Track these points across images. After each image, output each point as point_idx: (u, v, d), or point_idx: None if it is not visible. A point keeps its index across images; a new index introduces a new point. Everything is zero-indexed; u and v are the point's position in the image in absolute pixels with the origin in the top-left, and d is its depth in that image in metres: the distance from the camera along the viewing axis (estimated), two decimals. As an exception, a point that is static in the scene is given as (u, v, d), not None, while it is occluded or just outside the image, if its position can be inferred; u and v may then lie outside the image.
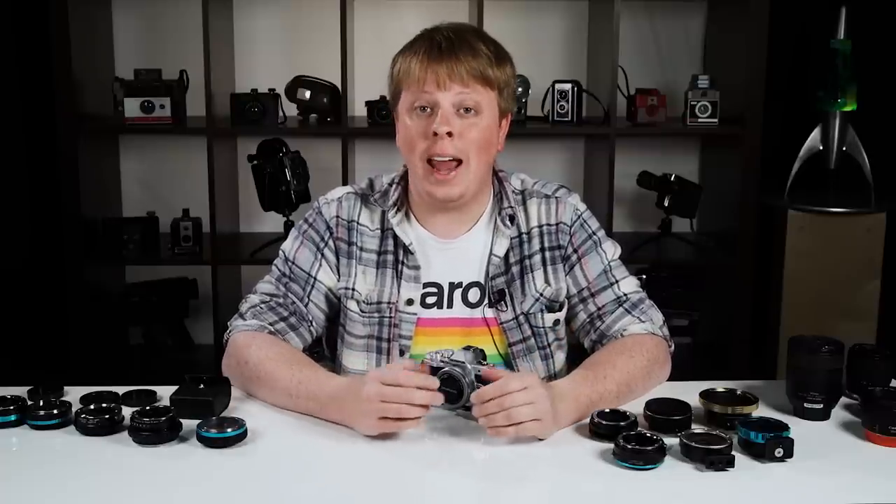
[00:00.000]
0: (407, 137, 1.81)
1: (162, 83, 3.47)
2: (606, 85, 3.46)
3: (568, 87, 3.48)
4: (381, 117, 3.44)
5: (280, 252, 1.94)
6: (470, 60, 1.76)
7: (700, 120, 3.49)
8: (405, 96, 1.81)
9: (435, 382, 1.59)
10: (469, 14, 3.45)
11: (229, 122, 3.50)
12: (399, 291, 1.87)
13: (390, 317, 1.87)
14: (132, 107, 3.40)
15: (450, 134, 1.75)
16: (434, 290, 1.88)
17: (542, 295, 1.88)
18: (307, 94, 3.50)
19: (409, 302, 1.86)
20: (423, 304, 1.87)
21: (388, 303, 1.87)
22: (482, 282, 1.88)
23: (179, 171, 3.77)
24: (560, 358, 1.95)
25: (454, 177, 1.78)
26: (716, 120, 3.49)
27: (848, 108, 3.44)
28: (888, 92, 3.59)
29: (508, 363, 1.88)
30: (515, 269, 1.89)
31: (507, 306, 1.87)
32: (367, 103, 3.49)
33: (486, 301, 1.88)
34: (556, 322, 1.91)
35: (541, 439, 1.59)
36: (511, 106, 1.87)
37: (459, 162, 1.78)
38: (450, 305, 1.88)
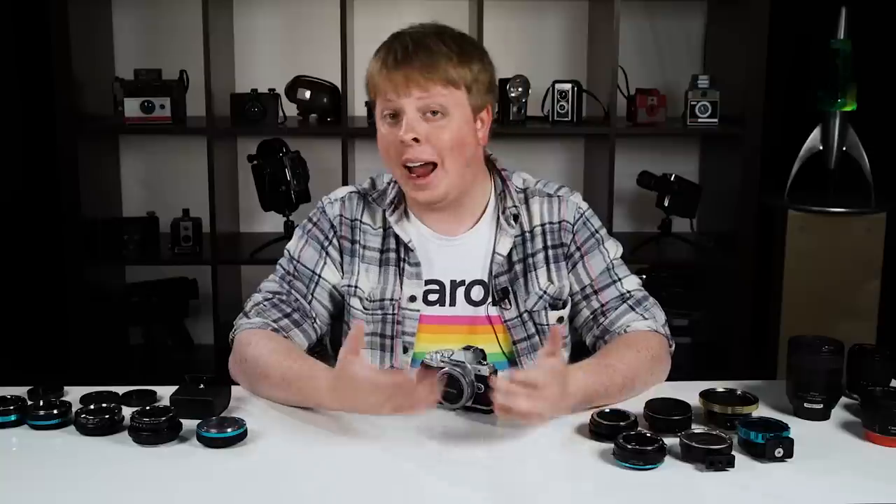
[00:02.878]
0: (382, 145, 1.83)
1: (162, 83, 3.47)
2: (606, 85, 3.46)
3: (568, 87, 3.48)
4: (381, 117, 3.43)
5: (285, 251, 1.95)
6: (427, 64, 1.75)
7: (700, 120, 3.49)
8: (377, 104, 1.82)
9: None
10: (469, 14, 3.45)
11: (229, 122, 3.50)
12: (402, 289, 1.87)
13: (393, 314, 1.87)
14: (132, 107, 3.40)
15: (416, 140, 1.76)
16: (436, 287, 1.88)
17: (545, 293, 1.89)
18: (307, 94, 3.50)
19: (412, 299, 1.87)
20: (426, 302, 1.88)
21: (391, 300, 1.87)
22: (485, 280, 1.89)
23: (179, 171, 3.77)
24: (564, 356, 1.95)
25: (431, 179, 1.79)
26: (716, 120, 3.49)
27: (848, 108, 3.43)
28: (888, 92, 3.59)
29: (513, 361, 1.89)
30: (518, 268, 1.89)
31: (510, 304, 1.88)
32: (367, 103, 3.48)
33: (489, 299, 1.88)
34: (560, 319, 1.92)
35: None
36: (487, 100, 1.85)
37: (435, 165, 1.78)
38: (452, 303, 1.88)
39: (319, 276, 1.90)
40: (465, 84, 1.79)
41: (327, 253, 1.90)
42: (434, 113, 1.77)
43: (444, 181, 1.80)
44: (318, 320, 1.90)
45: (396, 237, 1.89)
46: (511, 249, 1.89)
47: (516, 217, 1.90)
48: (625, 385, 1.73)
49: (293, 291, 1.89)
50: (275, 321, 1.84)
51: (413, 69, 1.75)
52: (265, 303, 1.88)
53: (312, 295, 1.89)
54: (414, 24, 1.85)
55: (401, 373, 1.62)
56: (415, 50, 1.76)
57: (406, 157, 1.77)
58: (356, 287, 1.89)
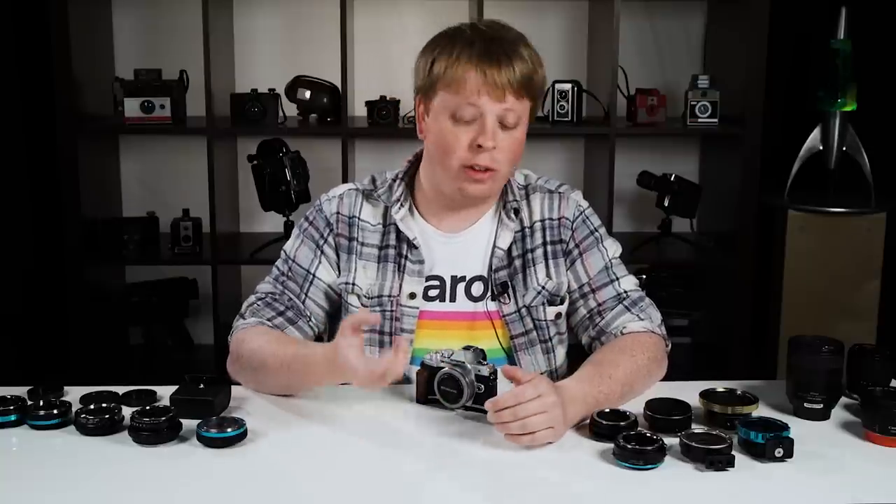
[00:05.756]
0: (445, 143, 1.78)
1: (162, 83, 3.47)
2: (606, 85, 3.46)
3: (568, 87, 3.48)
4: (381, 117, 3.43)
5: (282, 252, 1.95)
6: (523, 73, 1.74)
7: (700, 120, 3.49)
8: (445, 98, 1.77)
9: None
10: (469, 14, 3.45)
11: (229, 122, 3.50)
12: (401, 286, 1.87)
13: (392, 310, 1.87)
14: (132, 107, 3.40)
15: (493, 147, 1.76)
16: (436, 283, 1.88)
17: (544, 288, 1.89)
18: (307, 94, 3.50)
19: (412, 296, 1.87)
20: (426, 298, 1.88)
21: (389, 296, 1.87)
22: (485, 275, 1.89)
23: (179, 171, 3.77)
24: (561, 352, 1.96)
25: (486, 178, 1.78)
26: (716, 120, 3.49)
27: (848, 108, 3.44)
28: (888, 92, 3.59)
29: (510, 357, 1.89)
30: (518, 263, 1.89)
31: (509, 299, 1.88)
32: (367, 103, 3.49)
33: (488, 294, 1.88)
34: (558, 315, 1.92)
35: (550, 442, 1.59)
36: (538, 108, 1.87)
37: (494, 170, 1.78)
38: (452, 299, 1.88)
39: (314, 276, 1.89)
40: (536, 93, 1.80)
41: (322, 252, 1.90)
42: (509, 121, 1.76)
43: (495, 183, 1.81)
44: (313, 319, 1.90)
45: (397, 234, 1.89)
46: (511, 244, 1.89)
47: (517, 211, 1.89)
48: (622, 391, 1.73)
49: (286, 291, 1.89)
50: (269, 319, 1.85)
51: (513, 75, 1.73)
52: (259, 303, 1.88)
53: (306, 294, 1.89)
54: (483, 21, 1.82)
55: (387, 360, 1.57)
56: (512, 55, 1.74)
57: (475, 162, 1.76)
58: (353, 284, 1.88)
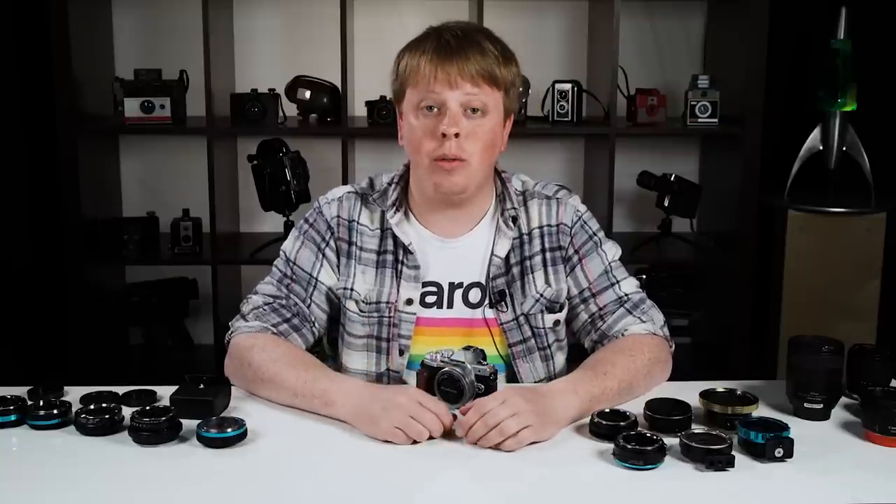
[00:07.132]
0: (413, 137, 1.80)
1: (162, 83, 3.47)
2: (606, 85, 3.46)
3: (568, 87, 3.48)
4: (381, 117, 3.44)
5: (281, 252, 1.94)
6: (479, 59, 1.75)
7: (700, 120, 3.49)
8: (411, 94, 1.80)
9: (449, 418, 1.61)
10: (469, 14, 3.45)
11: (229, 122, 3.51)
12: (398, 291, 1.86)
13: (389, 317, 1.87)
14: (132, 107, 3.40)
15: (457, 135, 1.75)
16: (434, 289, 1.88)
17: (542, 296, 1.88)
18: (307, 94, 3.50)
19: (409, 302, 1.86)
20: (423, 304, 1.87)
21: (387, 303, 1.87)
22: (483, 282, 1.88)
23: (179, 171, 3.77)
24: (560, 359, 1.96)
25: (456, 169, 1.78)
26: (716, 120, 3.49)
27: (848, 108, 3.44)
28: (888, 92, 3.59)
29: (509, 364, 1.89)
30: (516, 270, 1.89)
31: (507, 307, 1.87)
32: (367, 103, 3.49)
33: (486, 301, 1.88)
34: (557, 323, 1.91)
35: (544, 440, 1.59)
36: (515, 106, 1.87)
37: (462, 160, 1.78)
38: (450, 305, 1.88)
39: (316, 280, 1.89)
40: (504, 86, 1.80)
41: (324, 255, 1.90)
42: (474, 111, 1.77)
43: (467, 175, 1.79)
44: (316, 324, 1.89)
45: (395, 239, 1.88)
46: (509, 252, 1.88)
47: (515, 219, 1.89)
48: (620, 388, 1.72)
49: (291, 295, 1.88)
50: (274, 325, 1.84)
51: (467, 62, 1.74)
52: (265, 307, 1.87)
53: (310, 299, 1.88)
54: (448, 22, 1.83)
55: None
56: (468, 43, 1.76)
57: (442, 153, 1.76)
58: (352, 290, 1.88)
